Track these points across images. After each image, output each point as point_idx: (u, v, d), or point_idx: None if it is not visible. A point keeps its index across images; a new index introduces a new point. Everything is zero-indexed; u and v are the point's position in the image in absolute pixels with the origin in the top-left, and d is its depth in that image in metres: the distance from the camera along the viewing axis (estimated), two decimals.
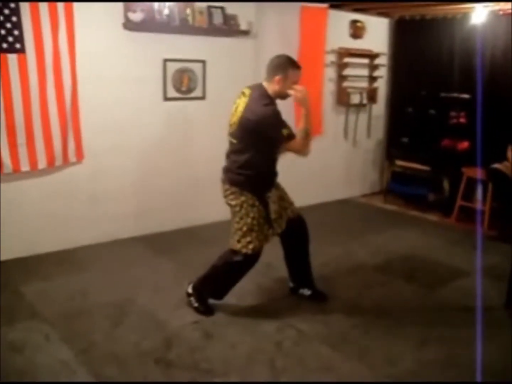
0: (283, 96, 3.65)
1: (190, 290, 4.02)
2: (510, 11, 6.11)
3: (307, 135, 3.57)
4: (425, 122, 7.07)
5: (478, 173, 5.97)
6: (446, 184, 6.75)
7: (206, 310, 3.94)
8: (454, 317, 3.94)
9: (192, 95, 5.69)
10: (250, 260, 3.79)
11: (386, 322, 3.86)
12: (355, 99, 7.15)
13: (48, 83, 4.65)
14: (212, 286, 3.97)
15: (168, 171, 5.63)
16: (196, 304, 3.95)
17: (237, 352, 3.41)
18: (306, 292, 4.21)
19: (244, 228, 3.72)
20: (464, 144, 6.53)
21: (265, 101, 3.59)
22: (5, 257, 4.72)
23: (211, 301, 3.99)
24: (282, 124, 3.57)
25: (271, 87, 3.63)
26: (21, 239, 4.83)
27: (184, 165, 5.78)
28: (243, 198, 3.71)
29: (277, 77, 3.57)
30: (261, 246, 3.76)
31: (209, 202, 6.00)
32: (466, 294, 4.30)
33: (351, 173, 7.51)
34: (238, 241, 3.75)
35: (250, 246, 3.71)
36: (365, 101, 7.30)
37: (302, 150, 3.62)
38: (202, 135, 5.85)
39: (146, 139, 5.42)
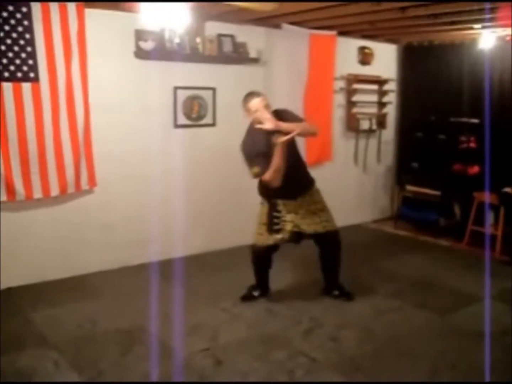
0: (261, 121, 4.02)
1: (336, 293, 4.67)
2: None
3: (276, 170, 3.96)
4: (435, 147, 7.06)
5: (487, 197, 5.95)
6: (457, 209, 6.72)
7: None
8: (467, 344, 3.88)
9: (203, 122, 5.74)
10: (255, 250, 4.45)
11: (398, 350, 3.82)
12: (364, 125, 7.17)
13: (61, 111, 4.71)
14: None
15: (179, 198, 5.64)
16: (337, 292, 4.65)
17: (248, 380, 3.38)
18: (335, 292, 4.65)
19: (257, 222, 4.38)
20: (475, 169, 6.52)
21: (246, 137, 4.24)
22: (16, 283, 4.74)
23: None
24: (254, 157, 4.04)
25: (251, 120, 4.17)
26: (31, 266, 4.85)
27: (195, 192, 5.80)
28: (260, 200, 4.40)
29: (246, 114, 4.16)
30: (264, 241, 4.32)
31: (219, 228, 6.03)
32: (479, 320, 4.24)
33: (362, 199, 7.50)
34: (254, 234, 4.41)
35: (260, 238, 4.35)
36: (374, 126, 7.32)
37: (270, 182, 4.06)
38: (213, 162, 5.88)
39: (156, 167, 5.45)
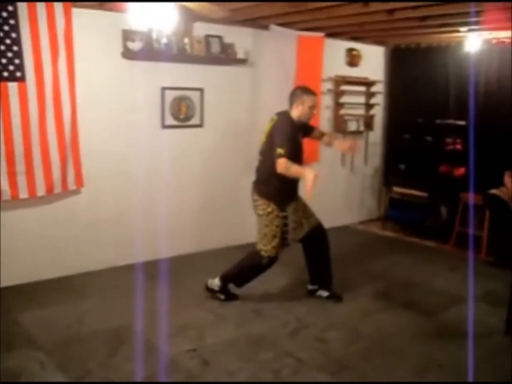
0: (305, 119, 4.36)
1: (214, 286, 4.61)
2: (503, 40, 6.21)
3: (291, 172, 4.10)
4: (422, 148, 7.11)
5: (471, 198, 5.99)
6: (443, 210, 6.76)
7: (231, 297, 4.61)
8: (454, 344, 3.90)
9: (190, 122, 5.73)
10: (272, 261, 4.39)
11: (385, 349, 3.83)
12: (352, 126, 7.20)
13: (47, 111, 4.69)
14: (235, 278, 4.57)
15: (166, 198, 5.63)
16: (222, 297, 4.58)
17: (235, 380, 3.38)
18: (324, 293, 4.66)
19: (269, 235, 4.31)
20: (461, 170, 6.57)
21: (286, 121, 4.30)
22: (3, 284, 4.70)
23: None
24: (286, 141, 4.10)
25: (294, 113, 4.33)
26: (19, 266, 4.82)
27: (182, 193, 5.79)
28: (269, 209, 4.30)
29: (295, 104, 4.31)
30: (280, 251, 4.36)
31: (206, 229, 6.03)
32: (465, 321, 4.27)
33: (349, 200, 7.52)
34: (264, 245, 4.33)
35: (274, 251, 4.32)
36: (362, 128, 7.36)
37: (280, 170, 4.09)
38: (200, 162, 5.88)
39: (144, 167, 5.43)
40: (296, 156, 4.18)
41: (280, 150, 4.04)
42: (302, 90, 4.34)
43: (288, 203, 4.35)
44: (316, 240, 4.55)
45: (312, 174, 3.88)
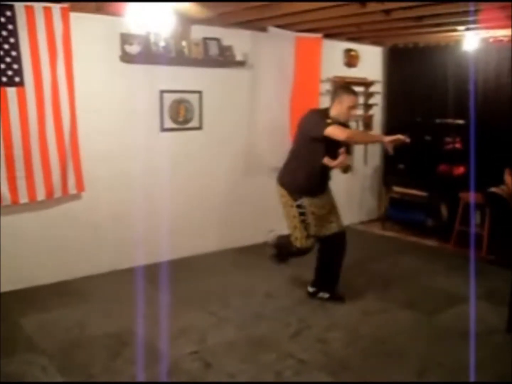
0: (343, 119, 4.27)
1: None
2: (500, 38, 6.22)
3: (359, 138, 4.67)
4: (421, 148, 7.09)
5: (471, 197, 6.00)
6: (444, 210, 6.76)
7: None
8: (454, 343, 3.90)
9: (189, 125, 5.74)
10: (303, 251, 4.43)
11: (386, 350, 3.84)
12: (351, 126, 7.18)
13: (46, 115, 4.69)
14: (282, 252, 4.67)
15: (166, 201, 5.63)
16: (327, 295, 4.62)
17: (236, 382, 3.39)
18: (325, 295, 4.66)
19: (291, 226, 4.38)
20: (460, 169, 6.57)
21: (319, 113, 4.32)
22: (4, 289, 4.70)
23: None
24: (323, 123, 4.12)
25: (333, 111, 4.29)
26: (20, 271, 4.82)
27: (183, 196, 5.80)
28: (284, 199, 4.38)
29: (335, 101, 4.29)
30: (307, 243, 4.36)
31: (206, 231, 6.03)
32: (466, 320, 4.27)
33: (349, 200, 7.51)
34: (291, 236, 4.40)
35: (297, 243, 4.36)
36: (361, 128, 7.36)
37: (345, 137, 4.06)
38: (200, 165, 5.88)
39: (144, 170, 5.44)
40: (330, 154, 4.22)
41: (329, 121, 4.10)
42: (343, 89, 4.36)
43: (305, 195, 4.31)
44: (335, 245, 4.54)
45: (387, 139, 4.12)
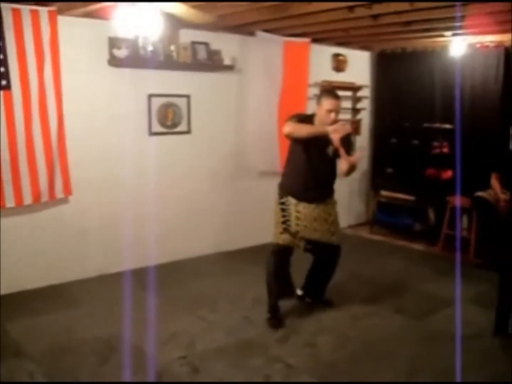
0: (324, 122, 4.03)
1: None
2: (487, 44, 6.27)
3: (301, 130, 4.02)
4: (409, 152, 7.16)
5: (457, 201, 6.04)
6: (431, 214, 6.80)
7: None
8: (443, 347, 3.91)
9: (177, 129, 5.73)
10: (275, 250, 4.24)
11: (375, 353, 3.84)
12: None
13: (33, 119, 4.66)
14: (268, 282, 4.37)
15: (154, 205, 5.62)
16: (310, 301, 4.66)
17: (229, 382, 3.39)
18: (310, 300, 4.70)
19: (274, 222, 4.25)
20: (448, 174, 6.61)
21: (305, 117, 4.25)
22: None
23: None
24: (298, 119, 4.07)
25: (317, 116, 4.16)
26: (7, 275, 4.76)
27: (171, 199, 5.78)
28: (276, 198, 4.28)
29: (317, 106, 4.15)
30: (282, 237, 4.18)
31: (195, 235, 6.01)
32: (454, 323, 4.29)
33: (337, 204, 7.52)
34: (273, 234, 4.26)
35: (275, 238, 4.22)
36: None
37: (285, 130, 4.02)
38: (188, 169, 5.87)
39: (133, 174, 5.42)
40: (314, 163, 4.13)
41: (291, 118, 4.07)
42: (323, 93, 4.26)
43: (290, 195, 4.17)
44: (328, 259, 4.47)
45: (331, 128, 3.84)
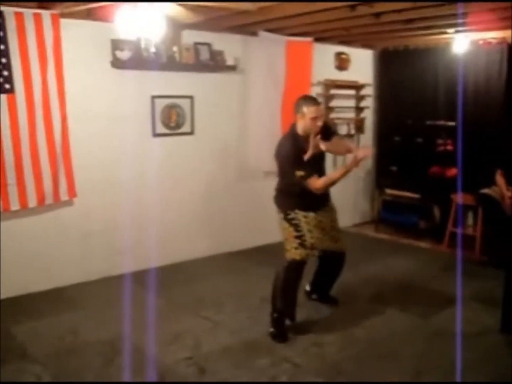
0: (310, 132, 3.92)
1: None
2: (489, 41, 6.26)
3: (332, 183, 3.97)
4: (413, 150, 7.14)
5: (459, 198, 6.04)
6: (436, 211, 6.79)
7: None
8: (449, 345, 3.89)
9: (181, 130, 5.73)
10: (290, 267, 4.06)
11: (381, 352, 3.84)
12: (342, 130, 7.22)
13: (37, 122, 4.68)
14: (279, 299, 4.17)
15: (157, 207, 5.62)
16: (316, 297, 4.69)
17: (236, 382, 3.39)
18: (316, 297, 4.72)
19: (283, 239, 4.14)
20: (453, 171, 6.59)
21: (287, 139, 4.04)
22: None
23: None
24: (297, 164, 3.88)
25: (298, 128, 4.02)
26: (11, 279, 4.78)
27: (174, 201, 5.79)
28: (280, 216, 4.14)
29: (297, 116, 3.99)
30: (297, 253, 4.03)
31: (197, 237, 6.02)
32: (460, 321, 4.28)
33: (342, 203, 7.43)
34: (287, 250, 4.09)
35: (287, 254, 4.06)
36: (352, 131, 7.38)
37: (317, 190, 3.93)
38: (192, 170, 5.87)
39: (136, 176, 5.42)
40: (317, 170, 4.00)
41: (299, 173, 3.86)
42: (303, 101, 3.99)
43: (297, 208, 4.06)
44: (333, 264, 4.48)
45: (351, 165, 3.81)
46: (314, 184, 3.89)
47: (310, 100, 4.01)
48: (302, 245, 4.04)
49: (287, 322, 4.18)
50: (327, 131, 4.12)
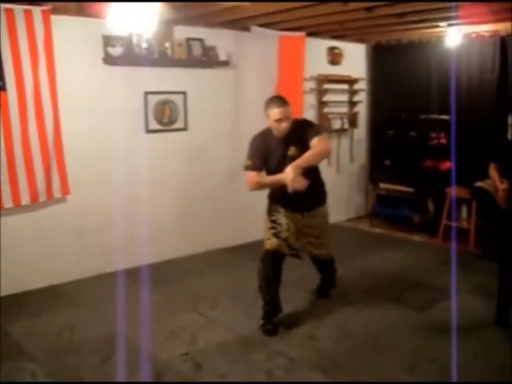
0: (278, 134, 3.94)
1: None
2: (482, 34, 6.26)
3: (264, 186, 4.02)
4: (406, 144, 7.13)
5: (453, 192, 6.07)
6: (430, 205, 6.80)
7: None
8: (445, 338, 3.91)
9: (174, 126, 5.72)
10: (264, 257, 4.07)
11: (376, 346, 3.84)
12: (336, 124, 7.22)
13: (29, 119, 4.65)
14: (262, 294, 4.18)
15: (151, 203, 5.62)
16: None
17: (228, 382, 3.38)
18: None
19: (265, 227, 4.16)
20: (446, 165, 6.59)
21: (259, 133, 4.10)
22: None
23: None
24: (250, 154, 4.00)
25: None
26: (6, 277, 4.76)
27: (167, 197, 5.78)
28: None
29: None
30: (269, 242, 4.05)
31: (191, 233, 6.01)
32: (455, 314, 4.29)
33: (336, 198, 7.48)
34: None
35: (264, 245, 4.09)
36: (346, 126, 7.38)
37: (248, 185, 4.00)
38: (185, 166, 5.86)
39: (129, 172, 5.42)
40: (277, 171, 3.88)
41: (246, 162, 3.97)
42: (267, 103, 3.93)
43: (277, 204, 4.09)
44: (318, 265, 4.59)
45: (288, 175, 3.62)
46: (248, 178, 3.96)
47: (274, 101, 3.91)
48: (275, 235, 4.05)
49: (280, 316, 4.18)
50: (306, 130, 3.93)
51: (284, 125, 3.85)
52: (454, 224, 6.09)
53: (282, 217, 4.07)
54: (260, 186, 3.98)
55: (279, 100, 3.92)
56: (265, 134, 4.02)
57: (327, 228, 4.37)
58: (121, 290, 4.90)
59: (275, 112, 3.84)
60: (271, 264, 4.06)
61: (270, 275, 4.08)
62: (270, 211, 4.14)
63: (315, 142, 3.81)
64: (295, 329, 4.09)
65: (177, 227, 5.90)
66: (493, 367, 3.49)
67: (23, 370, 3.52)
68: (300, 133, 3.90)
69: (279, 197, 4.06)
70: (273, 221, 4.09)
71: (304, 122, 4.08)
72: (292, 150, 3.91)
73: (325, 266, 4.58)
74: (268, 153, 3.98)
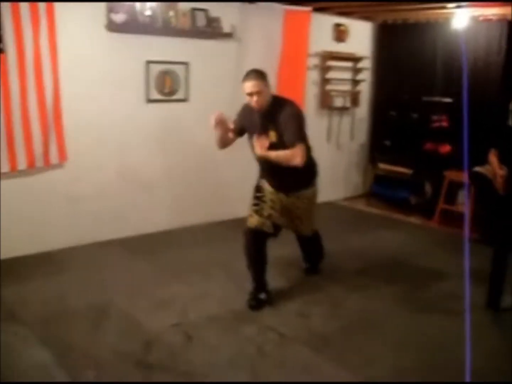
0: (255, 108, 3.95)
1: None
2: (490, 17, 6.19)
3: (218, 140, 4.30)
4: (408, 125, 7.11)
5: (452, 175, 6.05)
6: (428, 187, 6.79)
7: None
8: (436, 320, 3.94)
9: (175, 97, 5.67)
10: (246, 233, 4.07)
11: (368, 325, 3.87)
12: (338, 102, 7.18)
13: (29, 83, 4.60)
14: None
15: (149, 174, 5.61)
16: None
17: (218, 355, 3.40)
18: (305, 265, 4.78)
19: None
20: (446, 148, 6.58)
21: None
22: None
23: None
24: (236, 117, 4.20)
25: None
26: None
27: (165, 168, 5.75)
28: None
29: None
30: (251, 220, 4.04)
31: (188, 205, 6.00)
32: (448, 296, 4.32)
33: (334, 176, 7.51)
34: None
35: (249, 219, 4.08)
36: (348, 104, 7.33)
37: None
38: (185, 137, 5.83)
39: (128, 141, 5.40)
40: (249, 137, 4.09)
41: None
42: (244, 75, 3.92)
43: (266, 184, 4.10)
44: (305, 243, 4.59)
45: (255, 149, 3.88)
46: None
47: (248, 75, 3.87)
48: (257, 212, 4.05)
49: (265, 293, 4.16)
50: (288, 120, 3.83)
51: (255, 99, 3.81)
52: (457, 208, 6.07)
53: (267, 194, 4.08)
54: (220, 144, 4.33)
55: (254, 73, 3.86)
56: (251, 105, 3.96)
57: (312, 211, 4.29)
58: (112, 259, 4.92)
59: (246, 85, 3.84)
60: (253, 243, 4.06)
61: (252, 254, 4.09)
62: (257, 188, 4.16)
63: (294, 149, 3.73)
64: (286, 306, 4.11)
65: (174, 198, 5.89)
66: (480, 351, 3.50)
67: (14, 334, 3.54)
68: (281, 118, 3.82)
69: (266, 174, 4.11)
70: (258, 197, 4.11)
71: (287, 108, 3.88)
72: (272, 135, 3.85)
73: (309, 243, 4.57)
74: (248, 122, 4.06)
